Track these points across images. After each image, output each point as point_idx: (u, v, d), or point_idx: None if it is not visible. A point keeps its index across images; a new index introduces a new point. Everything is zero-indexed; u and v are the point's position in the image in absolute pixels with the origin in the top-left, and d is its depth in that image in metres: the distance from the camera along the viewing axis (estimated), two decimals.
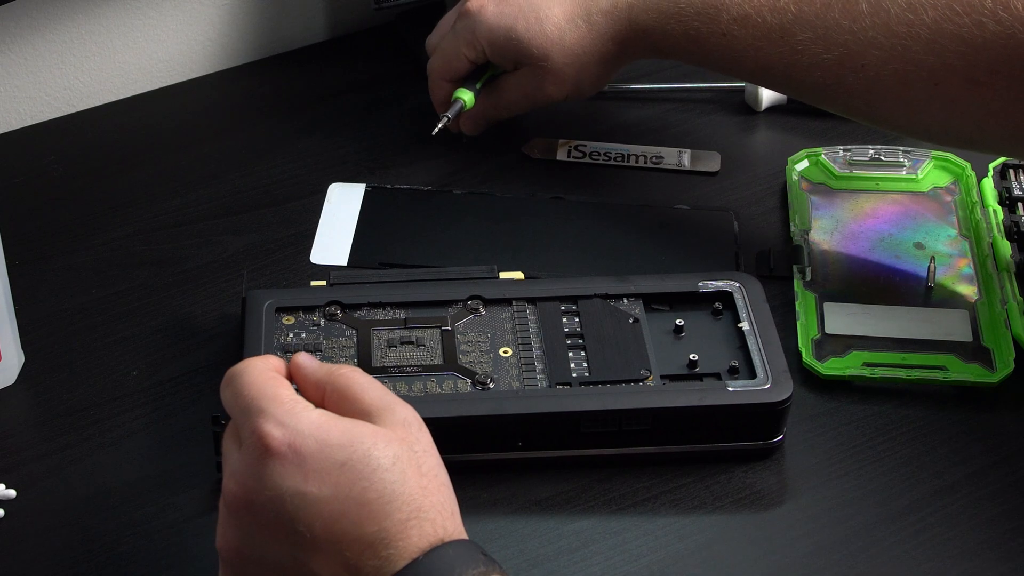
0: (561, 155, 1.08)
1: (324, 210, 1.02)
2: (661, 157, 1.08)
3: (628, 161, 1.07)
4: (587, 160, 1.08)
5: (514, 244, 0.99)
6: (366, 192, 1.04)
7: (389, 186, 1.04)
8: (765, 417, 0.85)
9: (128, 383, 0.91)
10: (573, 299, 0.90)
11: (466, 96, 1.04)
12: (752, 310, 0.89)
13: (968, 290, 0.95)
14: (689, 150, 1.08)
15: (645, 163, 1.07)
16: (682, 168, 1.07)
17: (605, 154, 1.08)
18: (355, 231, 1.00)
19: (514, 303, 0.90)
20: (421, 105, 1.12)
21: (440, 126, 1.04)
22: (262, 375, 0.73)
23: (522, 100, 1.04)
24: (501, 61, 1.03)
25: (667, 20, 0.97)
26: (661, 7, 0.97)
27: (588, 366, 0.87)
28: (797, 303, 0.94)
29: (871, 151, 1.05)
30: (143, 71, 1.16)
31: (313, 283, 0.93)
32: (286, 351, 0.87)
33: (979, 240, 0.98)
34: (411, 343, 0.88)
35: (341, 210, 1.02)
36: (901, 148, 1.05)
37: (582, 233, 1.01)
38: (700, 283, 0.91)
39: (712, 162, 1.07)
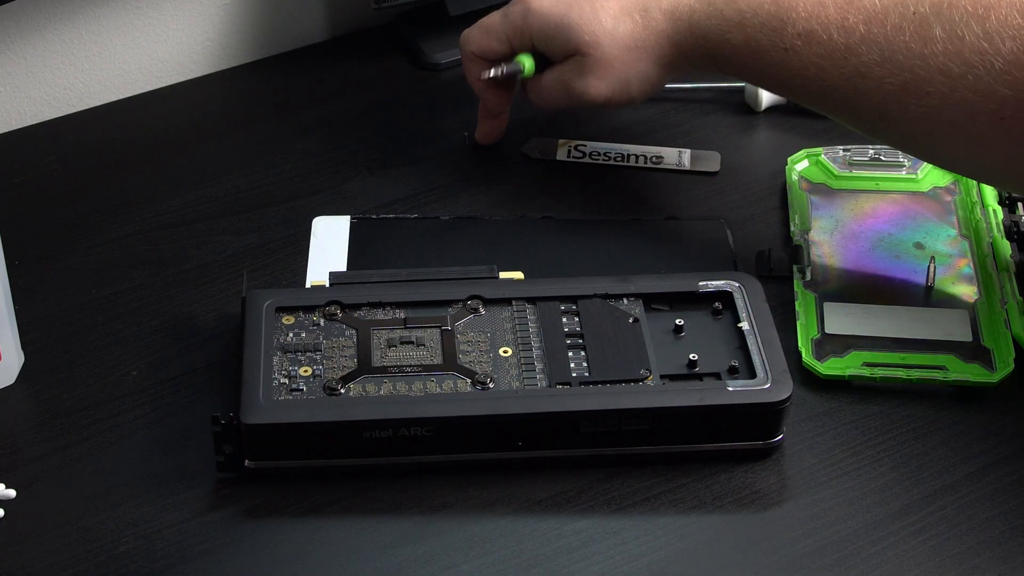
0: (561, 155, 1.08)
1: (312, 244, 1.00)
2: (661, 157, 1.08)
3: (628, 161, 1.07)
4: (587, 160, 1.08)
5: (507, 267, 0.96)
6: (351, 224, 1.02)
7: (375, 216, 1.02)
8: (765, 417, 0.85)
9: (128, 383, 0.91)
10: (573, 299, 0.90)
11: (527, 62, 1.01)
12: (752, 310, 0.89)
13: (968, 290, 0.95)
14: (689, 150, 1.08)
15: (645, 163, 1.07)
16: (682, 168, 1.07)
17: (605, 154, 1.08)
18: (347, 265, 0.98)
19: (514, 303, 0.90)
20: (421, 105, 1.12)
21: (492, 73, 1.01)
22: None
23: (562, 94, 1.00)
24: (548, 49, 1.00)
25: (729, 28, 0.93)
26: (725, 14, 0.94)
27: (588, 366, 0.87)
28: (797, 303, 0.94)
29: (871, 151, 1.05)
30: (143, 71, 1.16)
31: (313, 283, 0.93)
32: (286, 351, 0.87)
33: (979, 240, 0.98)
34: (411, 343, 0.88)
35: (329, 245, 1.00)
36: None
37: (573, 251, 1.00)
38: (700, 283, 0.91)
39: (712, 162, 1.07)
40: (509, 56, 1.02)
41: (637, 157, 1.08)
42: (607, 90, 0.99)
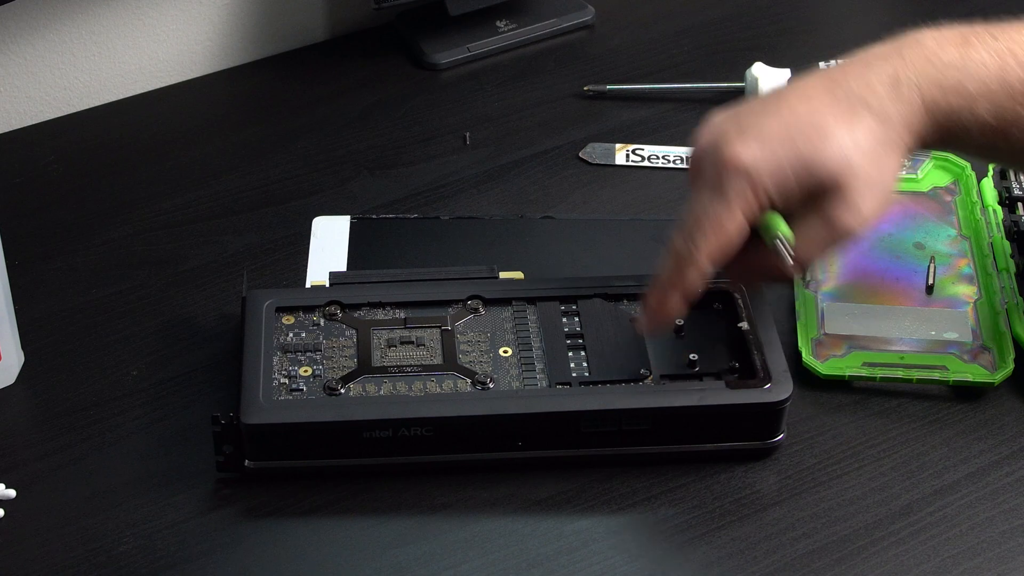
0: (620, 159, 1.08)
1: (312, 244, 1.00)
2: None
3: (687, 164, 1.07)
4: (646, 164, 1.07)
5: (507, 267, 0.96)
6: (352, 224, 1.02)
7: (375, 216, 1.02)
8: (765, 417, 0.85)
9: (128, 383, 0.91)
10: (573, 299, 0.90)
11: (783, 226, 0.81)
12: (752, 310, 0.89)
13: (968, 290, 0.95)
14: None
15: None
16: None
17: (664, 157, 1.08)
18: (347, 265, 0.98)
19: (514, 303, 0.90)
20: (421, 105, 1.12)
21: (784, 251, 0.81)
22: None
23: (829, 241, 0.81)
24: (787, 200, 0.80)
25: (973, 103, 0.81)
26: (962, 90, 0.80)
27: (588, 366, 0.87)
28: (797, 303, 0.94)
29: None
30: (143, 71, 1.16)
31: (313, 283, 0.93)
32: (286, 351, 0.87)
33: (979, 240, 0.98)
34: (411, 343, 0.88)
35: (329, 245, 1.00)
36: None
37: (573, 251, 1.00)
38: None
39: None
40: (746, 235, 0.81)
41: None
42: (878, 206, 0.81)
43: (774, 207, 0.81)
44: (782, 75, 1.11)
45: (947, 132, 0.82)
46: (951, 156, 1.04)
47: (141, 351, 0.93)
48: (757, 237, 0.82)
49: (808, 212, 0.81)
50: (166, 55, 1.16)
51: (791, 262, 0.81)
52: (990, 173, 1.03)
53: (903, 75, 0.81)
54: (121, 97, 1.15)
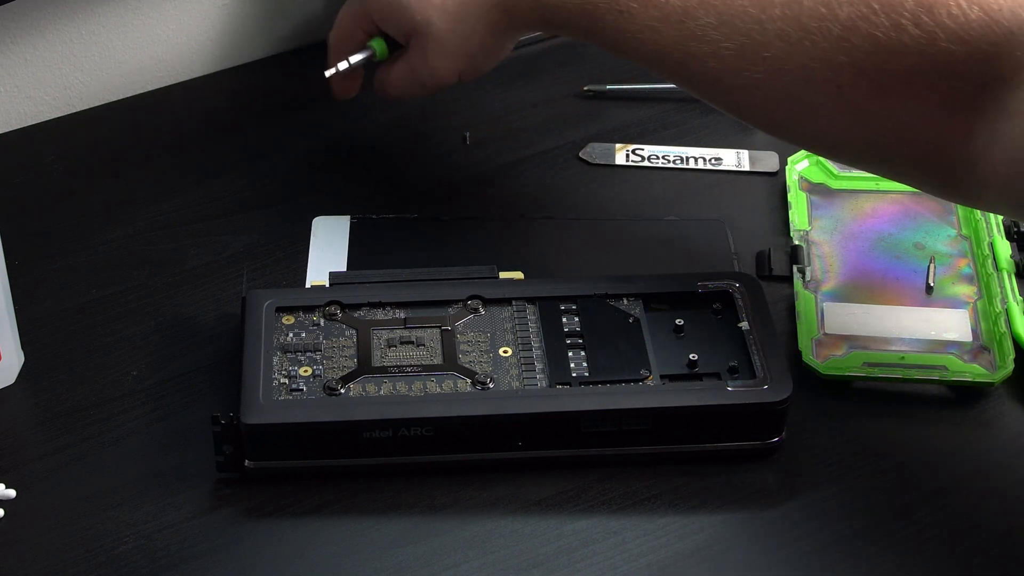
0: (620, 159, 1.08)
1: (312, 244, 1.00)
2: (720, 159, 1.07)
3: (687, 164, 1.07)
4: (646, 164, 1.07)
5: (507, 267, 0.96)
6: (352, 224, 1.02)
7: (375, 216, 1.02)
8: (765, 417, 0.85)
9: (128, 383, 0.91)
10: (573, 299, 0.90)
11: (379, 46, 0.99)
12: (752, 310, 0.89)
13: (968, 290, 0.96)
14: (747, 151, 1.08)
15: (704, 165, 1.07)
16: (741, 169, 1.06)
17: (664, 157, 1.08)
18: (347, 265, 0.98)
19: (514, 303, 0.90)
20: (421, 105, 1.12)
21: (338, 69, 0.99)
22: None
23: (411, 82, 0.98)
24: (392, 33, 0.98)
25: None
26: None
27: (588, 366, 0.87)
28: (797, 303, 0.94)
29: None
30: (143, 71, 1.16)
31: (313, 283, 0.93)
32: (286, 351, 0.87)
33: (979, 240, 0.98)
34: (411, 343, 0.88)
35: (329, 245, 1.00)
36: None
37: (573, 251, 1.00)
38: (700, 283, 0.91)
39: (770, 162, 1.07)
40: (363, 45, 1.00)
41: (696, 159, 1.07)
42: (452, 67, 0.96)
43: (384, 35, 0.98)
44: None
45: (542, 17, 0.92)
46: None
47: (141, 351, 0.93)
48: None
49: (403, 55, 0.98)
50: (166, 55, 1.16)
51: (328, 71, 1.00)
52: None
53: None
54: (121, 97, 1.15)
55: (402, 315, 0.90)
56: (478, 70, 0.97)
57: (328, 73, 1.00)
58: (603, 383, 0.86)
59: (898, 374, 0.90)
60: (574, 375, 0.86)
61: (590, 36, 0.91)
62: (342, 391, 0.85)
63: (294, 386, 0.85)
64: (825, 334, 0.92)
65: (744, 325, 0.88)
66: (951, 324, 0.93)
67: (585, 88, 1.14)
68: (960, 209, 1.01)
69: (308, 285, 0.96)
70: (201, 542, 0.81)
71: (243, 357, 0.86)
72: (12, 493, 0.84)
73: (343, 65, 0.99)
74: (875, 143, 0.85)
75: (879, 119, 0.83)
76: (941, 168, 0.83)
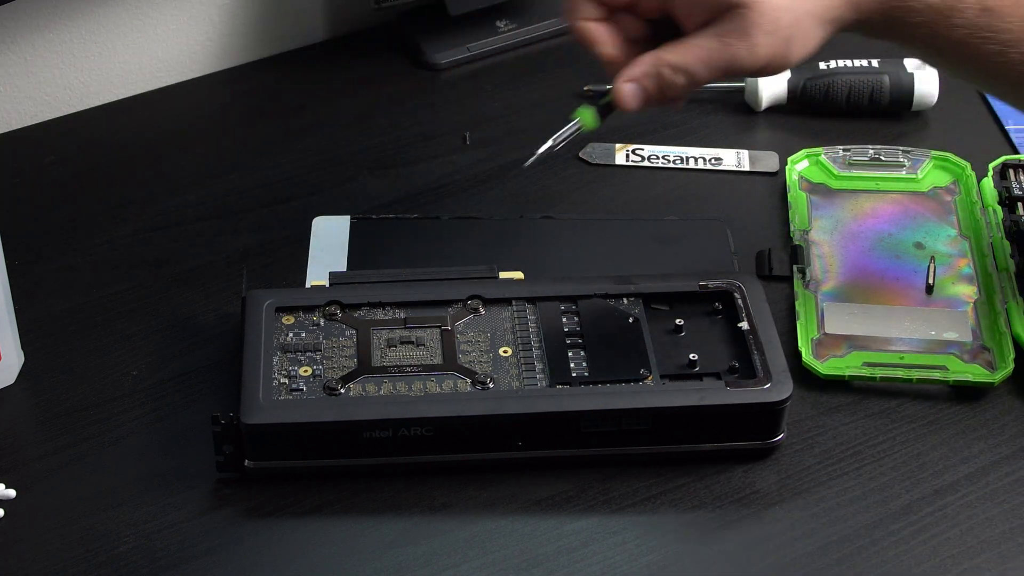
0: (619, 159, 1.08)
1: (312, 244, 1.00)
2: (720, 159, 1.07)
3: (687, 164, 1.07)
4: (645, 164, 1.07)
5: (507, 267, 0.95)
6: (352, 224, 1.01)
7: (375, 216, 1.02)
8: (765, 417, 0.85)
9: (128, 383, 0.91)
10: (573, 299, 0.90)
11: (587, 115, 0.86)
12: (752, 310, 0.89)
13: (968, 290, 0.95)
14: (747, 151, 1.08)
15: (704, 165, 1.07)
16: (741, 169, 1.06)
17: (663, 157, 1.08)
18: (347, 265, 0.98)
19: (514, 303, 0.90)
20: (421, 105, 1.12)
21: (541, 152, 0.85)
22: None
23: (714, 62, 0.81)
24: (690, 9, 0.81)
25: None
26: None
27: (588, 366, 0.87)
28: (797, 303, 0.94)
29: (871, 151, 1.05)
30: (143, 71, 1.16)
31: (313, 283, 0.93)
32: (286, 351, 0.87)
33: (979, 240, 0.98)
34: (411, 343, 0.88)
35: (329, 245, 1.00)
36: (901, 148, 1.05)
37: (573, 251, 1.00)
38: (700, 283, 0.91)
39: (770, 162, 1.07)
40: (629, 6, 0.83)
41: (696, 159, 1.07)
42: (769, 51, 0.80)
43: (664, 9, 0.82)
44: (782, 75, 1.11)
45: (888, 12, 0.81)
46: (951, 156, 1.04)
47: (141, 351, 0.93)
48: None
49: (708, 28, 0.80)
50: (166, 55, 1.16)
51: (528, 161, 0.85)
52: (990, 173, 1.03)
53: None
54: (121, 97, 1.15)
55: (402, 315, 0.90)
56: (789, 61, 0.82)
57: (527, 164, 0.87)
58: (603, 383, 0.86)
59: (898, 374, 0.90)
60: (574, 375, 0.86)
61: (935, 41, 0.82)
62: (342, 391, 0.85)
63: (294, 386, 0.85)
64: (825, 334, 0.92)
65: (744, 325, 0.88)
66: (951, 324, 0.93)
67: (585, 88, 1.14)
68: (960, 209, 1.01)
69: (308, 285, 0.96)
70: (201, 542, 0.81)
71: (243, 357, 0.86)
72: (12, 493, 0.84)
73: (544, 148, 0.85)
74: None
75: None
76: None
